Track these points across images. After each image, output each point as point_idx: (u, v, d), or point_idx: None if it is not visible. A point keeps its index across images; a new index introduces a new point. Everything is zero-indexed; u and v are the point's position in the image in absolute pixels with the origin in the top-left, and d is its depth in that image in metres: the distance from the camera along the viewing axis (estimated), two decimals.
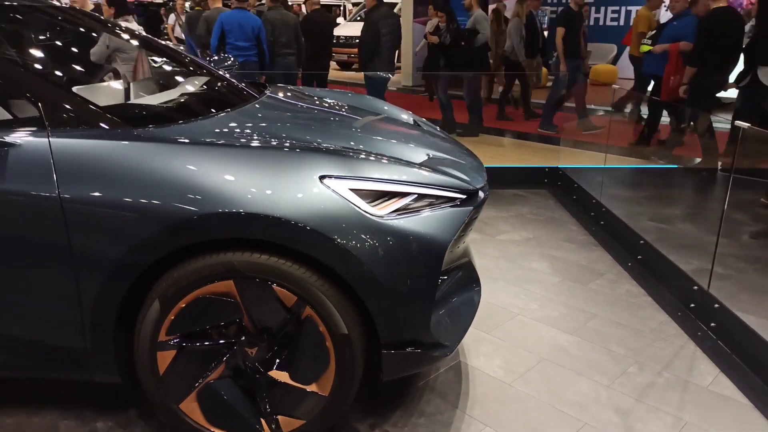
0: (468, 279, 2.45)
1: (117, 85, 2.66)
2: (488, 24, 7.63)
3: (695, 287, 2.98)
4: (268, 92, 2.76)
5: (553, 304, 3.09)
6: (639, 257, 3.56)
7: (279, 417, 1.96)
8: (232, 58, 3.50)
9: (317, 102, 2.87)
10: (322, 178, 1.83)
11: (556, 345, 2.71)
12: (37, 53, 2.54)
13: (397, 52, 7.45)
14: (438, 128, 3.05)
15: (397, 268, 1.86)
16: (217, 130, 2.05)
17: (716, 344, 2.70)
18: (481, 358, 2.61)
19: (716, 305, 2.79)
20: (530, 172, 5.24)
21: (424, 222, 1.94)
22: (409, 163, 2.12)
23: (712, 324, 2.78)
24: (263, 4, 8.65)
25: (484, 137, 7.24)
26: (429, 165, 2.19)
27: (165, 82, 2.90)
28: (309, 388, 1.93)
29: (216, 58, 3.40)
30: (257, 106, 2.50)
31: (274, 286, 1.82)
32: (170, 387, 1.93)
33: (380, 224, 1.85)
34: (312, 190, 1.81)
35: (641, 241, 3.60)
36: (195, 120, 2.13)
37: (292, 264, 1.81)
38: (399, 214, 1.91)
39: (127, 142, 1.84)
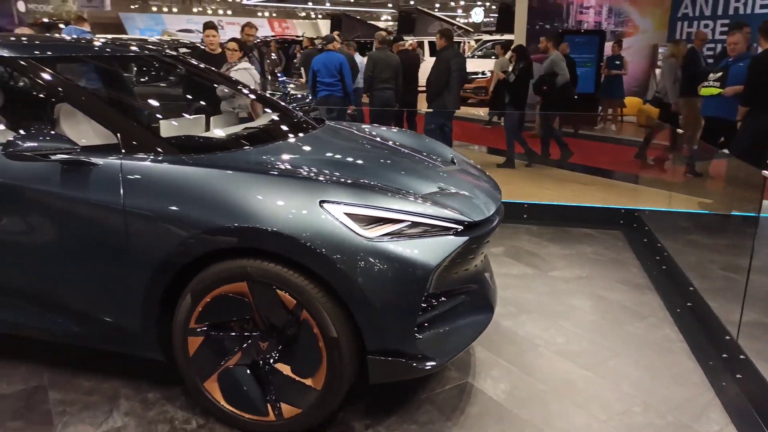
0: (475, 304, 2.64)
1: (193, 119, 3.23)
2: (565, 65, 7.68)
3: (727, 336, 2.90)
4: (317, 128, 3.19)
5: (579, 339, 3.15)
6: (689, 304, 3.48)
7: (281, 404, 2.30)
8: (310, 97, 3.99)
9: (356, 138, 3.24)
10: (322, 202, 2.18)
11: (566, 378, 2.79)
12: (126, 93, 3.18)
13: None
14: (472, 165, 3.28)
15: (381, 283, 2.15)
16: (252, 159, 2.48)
17: (738, 396, 2.62)
18: (488, 381, 2.76)
19: (742, 356, 2.70)
20: (605, 212, 5.20)
21: (412, 246, 2.21)
22: (410, 194, 2.40)
23: (738, 375, 2.70)
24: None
25: (573, 174, 7.22)
26: (432, 197, 2.46)
27: (240, 117, 3.46)
28: (305, 382, 2.26)
29: (294, 95, 3.91)
30: (299, 139, 2.92)
31: (278, 290, 2.18)
32: (197, 367, 2.35)
33: (369, 245, 2.15)
34: (312, 212, 2.16)
35: (691, 288, 3.51)
36: (240, 150, 2.59)
37: (293, 273, 2.16)
38: (389, 238, 2.20)
39: (176, 166, 2.33)
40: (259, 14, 41.77)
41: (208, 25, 6.17)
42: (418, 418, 2.49)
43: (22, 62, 2.65)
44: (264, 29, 41.89)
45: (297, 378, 2.27)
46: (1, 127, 2.91)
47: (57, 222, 2.41)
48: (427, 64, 17.69)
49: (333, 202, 2.19)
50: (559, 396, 2.65)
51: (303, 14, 43.70)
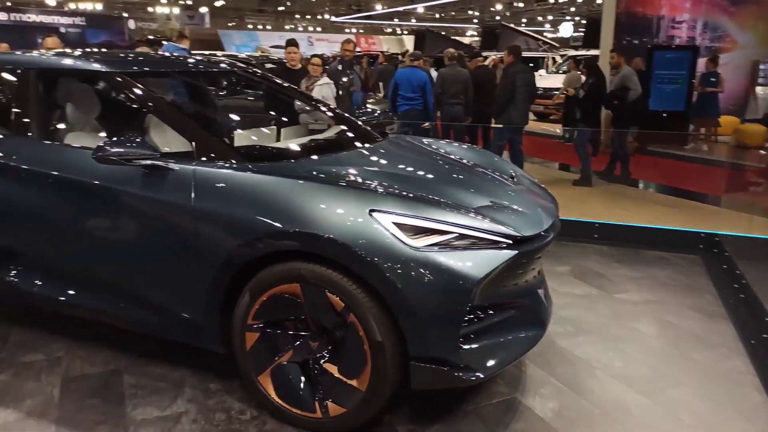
0: (525, 319, 2.64)
1: (265, 130, 3.43)
2: (637, 80, 7.49)
3: None
4: (380, 141, 3.30)
5: (639, 365, 3.05)
6: (765, 336, 3.27)
7: (328, 402, 2.41)
8: (378, 112, 4.13)
9: (416, 151, 3.32)
10: (371, 211, 2.28)
11: (620, 402, 2.71)
12: (205, 105, 3.43)
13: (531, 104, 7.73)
14: (531, 181, 3.27)
15: (425, 292, 2.21)
16: (312, 168, 2.62)
17: None
18: (537, 399, 2.74)
19: None
20: (684, 236, 4.96)
21: (458, 257, 2.26)
22: (460, 207, 2.45)
23: None
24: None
25: (655, 194, 6.91)
26: (483, 211, 2.50)
27: (312, 129, 3.64)
28: (351, 382, 2.35)
29: (363, 110, 4.06)
30: (360, 151, 3.05)
31: (328, 293, 2.30)
32: (253, 361, 2.50)
33: (415, 254, 2.22)
34: (362, 220, 2.26)
35: (767, 318, 3.30)
36: (302, 159, 2.75)
37: (343, 277, 2.27)
38: (436, 248, 2.26)
39: (242, 173, 2.50)
40: (347, 30, 43.03)
41: (290, 43, 6.49)
42: (462, 429, 2.52)
43: (117, 78, 2.94)
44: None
45: (343, 378, 2.37)
46: (102, 134, 3.22)
47: (137, 220, 2.66)
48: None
49: (382, 212, 2.28)
50: (610, 420, 2.58)
51: (389, 30, 44.51)
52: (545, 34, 40.81)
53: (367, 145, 3.17)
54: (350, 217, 2.28)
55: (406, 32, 42.30)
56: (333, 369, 2.39)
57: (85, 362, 2.99)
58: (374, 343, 2.26)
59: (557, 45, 22.57)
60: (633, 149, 7.85)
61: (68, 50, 3.82)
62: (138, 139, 2.57)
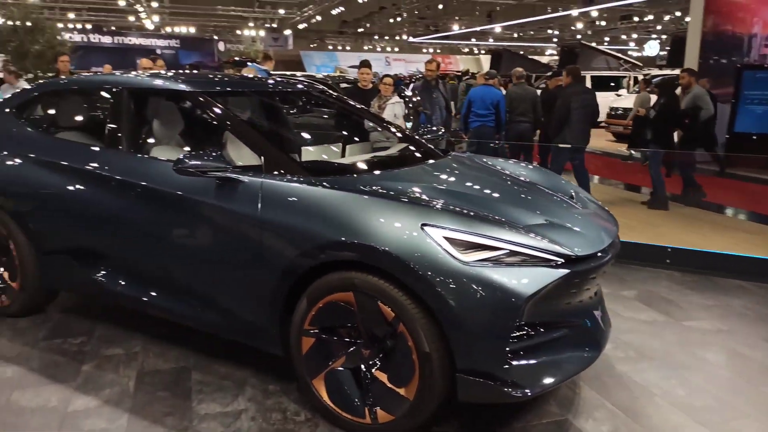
0: (579, 340, 2.62)
1: (330, 146, 3.60)
2: (709, 99, 7.27)
3: None
4: (441, 158, 3.39)
5: (703, 395, 2.93)
6: None
7: (377, 409, 2.49)
8: (443, 131, 4.22)
9: (475, 168, 3.37)
10: (423, 225, 2.36)
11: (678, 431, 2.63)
12: (276, 122, 3.63)
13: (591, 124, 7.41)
14: (592, 201, 3.24)
15: (473, 306, 2.25)
16: (371, 183, 2.74)
17: None
18: (590, 422, 2.69)
19: None
20: (764, 264, 4.69)
21: (507, 274, 2.29)
22: (513, 224, 2.49)
23: None
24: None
25: (738, 221, 6.56)
26: (536, 228, 2.52)
27: (373, 146, 3.78)
28: (399, 391, 2.42)
29: (427, 129, 4.16)
30: (420, 167, 3.14)
31: (380, 302, 2.39)
32: (308, 365, 2.63)
33: (464, 268, 2.27)
34: (415, 234, 2.35)
35: None
36: (363, 174, 2.87)
37: (393, 287, 2.35)
38: (485, 263, 2.30)
39: (306, 186, 2.66)
40: (424, 50, 43.48)
41: (363, 64, 6.71)
42: None
43: (199, 97, 3.20)
44: None
45: (392, 386, 2.44)
46: (185, 148, 3.50)
47: (208, 228, 2.87)
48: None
49: (434, 226, 2.36)
50: None
51: (466, 50, 44.60)
52: (630, 53, 39.64)
53: (427, 162, 3.26)
54: (403, 231, 2.37)
55: (483, 52, 42.23)
56: (383, 377, 2.47)
57: (158, 358, 3.23)
58: (422, 353, 2.33)
59: (640, 64, 21.83)
60: (712, 171, 7.53)
61: (157, 71, 4.17)
62: (213, 153, 2.78)
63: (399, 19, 27.99)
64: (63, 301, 3.91)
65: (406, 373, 2.39)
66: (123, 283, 3.22)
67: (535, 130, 7.97)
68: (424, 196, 2.62)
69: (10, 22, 12.70)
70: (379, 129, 3.95)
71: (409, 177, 2.98)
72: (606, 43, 39.89)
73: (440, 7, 24.26)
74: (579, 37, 36.09)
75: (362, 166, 3.11)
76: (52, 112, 3.89)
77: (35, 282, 3.57)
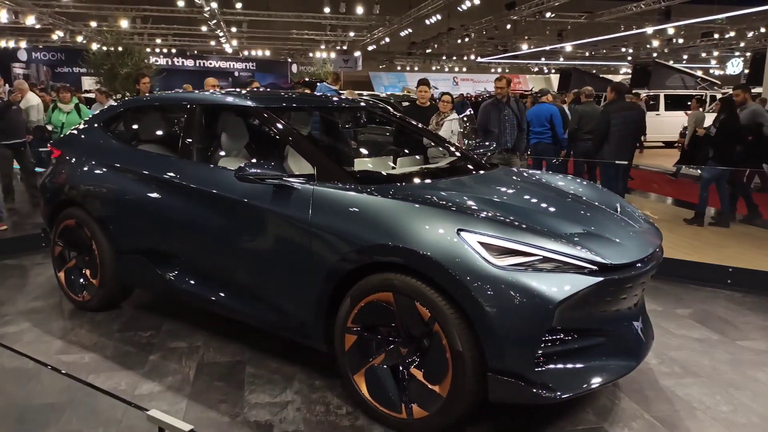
0: (615, 349, 2.67)
1: (381, 158, 3.79)
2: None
3: None
4: (486, 170, 3.51)
5: (748, 412, 2.87)
6: None
7: (413, 405, 2.62)
8: (494, 145, 4.34)
9: (519, 180, 3.46)
10: (459, 230, 2.49)
11: None
12: (332, 136, 3.86)
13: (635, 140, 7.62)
14: (637, 215, 3.25)
15: (504, 308, 2.36)
16: (414, 192, 2.90)
17: None
18: (625, 430, 2.71)
19: None
20: None
21: (539, 279, 2.39)
22: (548, 232, 2.57)
23: None
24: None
25: None
26: (572, 237, 2.59)
27: (426, 160, 3.95)
28: (434, 388, 2.54)
29: (478, 143, 4.30)
30: (463, 178, 3.28)
31: (417, 303, 2.53)
32: (350, 361, 2.79)
33: (497, 272, 2.39)
34: (451, 239, 2.48)
35: None
36: (407, 184, 3.04)
37: (429, 288, 2.49)
38: (518, 268, 2.41)
39: (351, 193, 2.85)
40: (492, 70, 43.35)
41: (421, 82, 6.92)
42: None
43: (264, 113, 3.47)
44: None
45: (427, 384, 2.57)
46: (252, 160, 3.79)
47: (264, 230, 3.11)
48: (661, 118, 16.79)
49: (469, 231, 2.48)
50: None
51: (535, 69, 44.12)
52: (712, 71, 37.93)
53: (472, 174, 3.40)
54: (440, 236, 2.51)
55: (553, 71, 41.66)
56: (419, 374, 2.60)
57: (217, 352, 3.49)
58: (455, 352, 2.45)
59: (718, 82, 20.91)
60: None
61: (226, 89, 4.52)
62: (271, 163, 3.03)
63: (467, 39, 28.10)
64: (136, 298, 4.28)
65: (440, 371, 2.51)
66: (190, 281, 3.51)
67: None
68: (462, 204, 2.75)
69: (104, 47, 13.83)
70: (433, 144, 4.12)
71: (452, 187, 3.11)
72: (684, 61, 38.46)
73: (508, 27, 24.21)
74: (655, 55, 34.97)
75: (408, 176, 3.28)
76: (134, 126, 4.30)
77: (113, 279, 3.94)
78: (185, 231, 3.48)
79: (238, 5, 20.30)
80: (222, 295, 3.35)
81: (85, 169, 4.02)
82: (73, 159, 4.16)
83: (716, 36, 26.90)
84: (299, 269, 2.93)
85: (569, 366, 2.52)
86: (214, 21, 22.92)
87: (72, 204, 4.07)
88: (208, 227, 3.35)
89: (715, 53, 35.38)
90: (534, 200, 3.08)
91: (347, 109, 4.34)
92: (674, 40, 28.99)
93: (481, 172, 3.50)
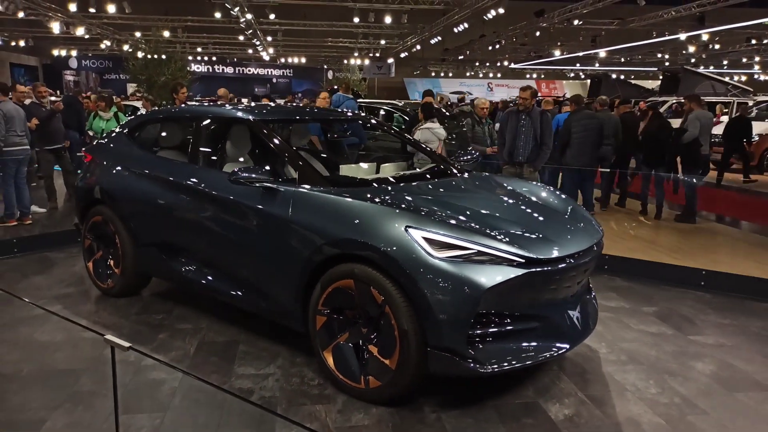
0: (547, 333, 3.06)
1: (365, 166, 4.27)
2: (699, 124, 7.59)
3: None
4: (455, 176, 3.93)
5: (673, 394, 3.20)
6: None
7: (369, 377, 3.06)
8: (476, 155, 4.74)
9: (480, 185, 3.87)
10: (407, 227, 2.93)
11: (634, 419, 2.95)
12: (318, 145, 4.33)
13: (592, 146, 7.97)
14: (585, 215, 3.62)
15: (441, 293, 2.78)
16: (376, 193, 3.34)
17: None
18: (557, 406, 3.09)
19: None
20: None
21: (470, 269, 2.81)
22: (487, 230, 2.99)
23: None
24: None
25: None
26: (507, 234, 3.00)
27: (409, 166, 4.41)
28: (385, 361, 2.98)
29: (460, 153, 4.72)
30: (429, 183, 3.71)
31: (372, 288, 2.98)
32: (320, 339, 3.25)
33: (436, 263, 2.82)
34: (400, 234, 2.92)
35: None
36: (372, 186, 3.50)
37: (382, 276, 2.93)
38: (454, 259, 2.83)
39: (324, 194, 3.32)
40: (527, 76, 43.31)
41: (426, 93, 7.36)
42: (477, 416, 2.99)
43: (256, 124, 3.97)
44: None
45: (380, 358, 3.01)
46: (246, 161, 4.31)
47: (254, 225, 3.59)
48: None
49: (416, 228, 2.92)
50: (616, 430, 2.86)
51: (571, 75, 43.84)
52: (756, 76, 37.02)
53: (438, 179, 3.83)
54: (392, 231, 2.95)
55: (583, 77, 41.37)
56: (374, 350, 3.04)
57: (217, 333, 4.00)
58: (402, 330, 2.88)
59: (750, 89, 20.62)
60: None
61: (230, 102, 5.06)
62: (261, 168, 3.52)
63: (497, 46, 28.31)
64: (154, 287, 4.84)
65: (390, 347, 2.95)
66: (193, 270, 4.04)
67: (615, 154, 8.43)
68: (416, 205, 3.19)
69: (147, 55, 14.73)
70: (416, 151, 4.57)
71: (415, 190, 3.55)
72: (725, 67, 37.67)
73: (537, 34, 24.35)
74: (693, 60, 34.41)
75: (377, 180, 3.73)
76: (152, 135, 4.87)
77: (133, 269, 4.50)
78: (190, 226, 4.01)
79: (272, 16, 21.07)
80: (219, 282, 3.86)
81: (111, 172, 4.60)
82: (102, 163, 4.75)
83: (753, 42, 26.38)
84: (282, 260, 3.41)
85: (501, 345, 2.93)
86: (250, 30, 23.81)
87: (100, 203, 4.66)
88: (208, 223, 3.87)
89: (757, 58, 34.57)
90: (486, 203, 3.49)
91: (340, 120, 4.82)
92: (711, 46, 28.51)
93: (449, 178, 3.92)
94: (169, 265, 4.18)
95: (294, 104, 13.54)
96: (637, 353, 3.73)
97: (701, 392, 3.24)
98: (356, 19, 21.05)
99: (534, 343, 3.02)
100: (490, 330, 2.91)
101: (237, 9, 18.95)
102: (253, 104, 9.27)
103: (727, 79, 28.28)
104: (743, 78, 40.10)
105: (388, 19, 20.87)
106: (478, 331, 2.88)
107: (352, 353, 3.14)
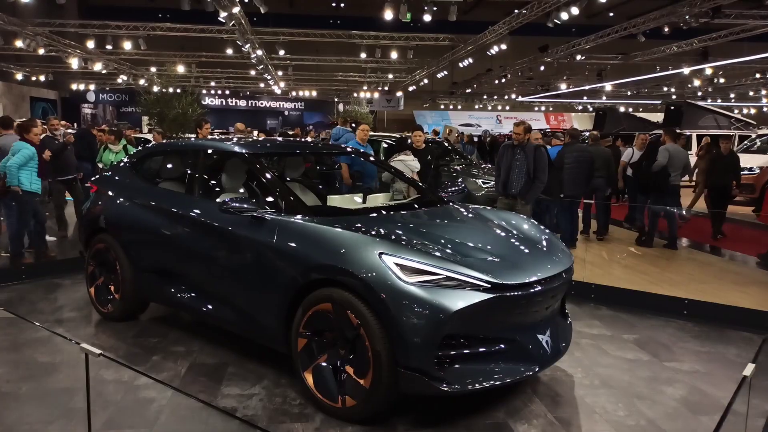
0: (515, 356, 3.21)
1: (352, 197, 4.49)
2: (668, 154, 7.92)
3: None
4: (434, 207, 4.14)
5: (640, 417, 3.32)
6: None
7: (346, 396, 3.22)
8: (462, 186, 4.97)
9: (456, 214, 4.06)
10: (381, 254, 3.12)
11: None
12: (304, 176, 4.57)
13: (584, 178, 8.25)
14: (556, 243, 3.79)
15: (410, 316, 2.96)
16: (354, 222, 3.53)
17: None
18: (525, 426, 3.22)
19: None
20: None
21: (438, 293, 2.98)
22: (457, 256, 3.17)
23: None
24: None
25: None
26: (475, 261, 3.18)
27: (398, 196, 4.63)
28: (360, 381, 3.14)
29: (447, 184, 4.94)
30: (408, 212, 3.92)
31: (348, 312, 3.16)
32: (302, 360, 3.42)
33: (406, 287, 3.00)
34: (373, 260, 3.12)
35: None
36: (352, 216, 3.71)
37: (357, 299, 3.12)
38: (424, 284, 3.01)
39: (306, 222, 3.54)
40: (536, 108, 43.79)
41: (416, 128, 7.62)
42: None
43: (250, 158, 4.23)
44: (540, 122, 43.79)
45: (356, 378, 3.17)
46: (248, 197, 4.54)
47: (243, 252, 3.80)
48: (693, 158, 16.87)
49: (389, 255, 3.11)
50: None
51: (579, 107, 44.25)
52: (766, 109, 37.13)
53: (415, 209, 4.05)
54: (367, 258, 3.15)
55: (591, 109, 41.76)
56: (350, 370, 3.21)
57: (208, 355, 4.18)
58: (375, 352, 3.05)
59: (753, 123, 20.76)
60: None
61: (230, 136, 5.33)
62: (249, 198, 3.75)
63: (503, 80, 28.82)
64: (151, 312, 5.04)
65: (365, 367, 3.11)
66: (186, 294, 4.24)
67: (608, 186, 8.73)
68: (390, 233, 3.38)
69: (162, 89, 15.26)
70: (399, 181, 4.80)
71: (394, 219, 3.76)
72: (732, 100, 37.90)
73: (542, 68, 24.81)
74: (700, 94, 34.70)
75: (361, 209, 3.94)
76: (154, 167, 5.14)
77: (132, 294, 4.71)
78: (185, 253, 4.23)
79: (282, 52, 21.71)
80: (210, 305, 4.06)
81: (114, 202, 4.86)
82: (106, 194, 5.02)
83: (758, 75, 26.64)
84: (267, 284, 3.61)
85: (469, 366, 3.08)
86: (262, 65, 24.48)
87: (103, 231, 4.91)
88: (202, 250, 4.09)
89: (764, 92, 34.77)
90: (461, 231, 3.69)
91: (326, 153, 5.07)
92: (715, 80, 28.78)
93: (429, 207, 4.13)
94: (164, 290, 4.39)
95: (300, 138, 13.91)
96: (611, 378, 3.85)
97: (667, 415, 3.36)
98: (363, 55, 21.61)
99: (502, 365, 3.16)
100: (459, 352, 3.07)
101: (248, 45, 19.57)
102: (262, 137, 9.62)
103: (735, 112, 28.45)
104: (752, 111, 40.38)
105: (394, 55, 21.40)
106: (447, 353, 3.04)
107: (331, 373, 3.30)
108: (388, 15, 13.35)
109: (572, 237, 7.98)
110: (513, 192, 6.50)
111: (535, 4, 14.58)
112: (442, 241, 3.41)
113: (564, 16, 13.07)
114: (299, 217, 3.63)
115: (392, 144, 10.62)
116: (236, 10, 15.03)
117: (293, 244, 3.49)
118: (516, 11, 15.65)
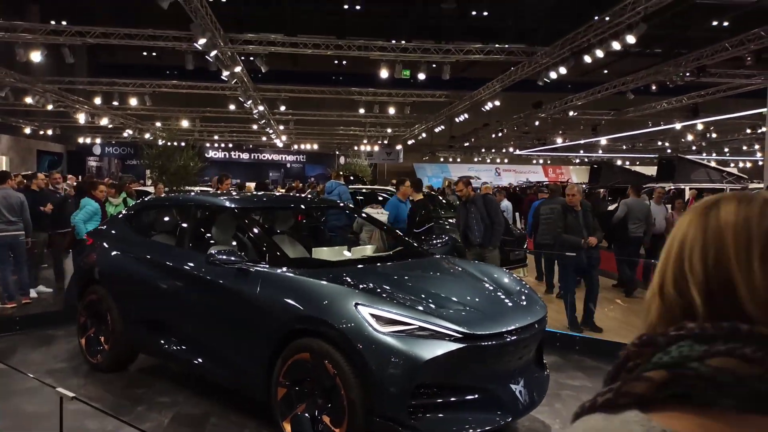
0: (488, 405, 3.29)
1: (339, 249, 4.66)
2: (626, 208, 8.45)
3: None
4: (418, 258, 4.30)
5: None
6: None
7: None
8: (446, 239, 5.13)
9: (436, 267, 4.21)
10: (357, 304, 3.26)
11: None
12: (290, 229, 4.76)
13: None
14: (530, 295, 3.92)
15: (383, 365, 3.07)
16: (336, 274, 3.69)
17: None
18: None
19: None
20: None
21: (410, 343, 3.11)
22: (430, 307, 3.31)
23: None
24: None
25: None
26: (447, 312, 3.31)
27: (376, 248, 4.78)
28: (336, 430, 3.22)
29: (433, 239, 5.12)
30: (389, 264, 4.07)
31: (326, 361, 3.27)
32: (281, 409, 3.50)
33: (380, 337, 3.12)
34: (350, 310, 3.25)
35: None
36: (333, 269, 3.86)
37: (334, 349, 3.23)
38: (399, 335, 3.13)
39: (288, 274, 3.69)
40: (534, 162, 44.45)
41: (400, 182, 7.87)
42: None
43: (238, 213, 4.42)
44: (538, 175, 44.34)
45: (332, 427, 3.24)
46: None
47: (228, 302, 3.94)
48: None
49: (364, 305, 3.25)
50: None
51: (577, 161, 44.93)
52: (761, 163, 37.71)
53: (397, 261, 4.20)
54: (343, 308, 3.28)
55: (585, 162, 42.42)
56: (327, 419, 3.29)
57: (193, 407, 4.24)
58: (350, 401, 3.14)
59: (745, 176, 21.12)
60: None
61: (217, 191, 5.56)
62: (235, 251, 3.91)
63: (500, 134, 29.48)
64: (140, 363, 5.12)
65: (340, 416, 3.20)
66: (173, 345, 4.35)
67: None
68: (367, 285, 3.53)
69: (166, 143, 15.69)
70: (376, 232, 4.98)
71: (374, 270, 3.91)
72: (727, 154, 38.51)
73: (536, 123, 25.42)
74: (693, 148, 35.35)
75: (342, 261, 4.10)
76: (147, 220, 5.34)
77: (121, 344, 4.81)
78: (173, 305, 4.36)
79: (282, 107, 22.35)
80: (194, 355, 4.16)
81: (107, 254, 5.03)
82: (101, 246, 5.19)
83: (748, 130, 27.21)
84: (250, 334, 3.73)
85: (442, 416, 3.16)
86: (264, 120, 25.13)
87: (97, 282, 5.05)
88: (189, 301, 4.23)
89: (757, 146, 35.40)
90: (437, 283, 3.83)
91: (315, 207, 5.29)
92: (707, 135, 29.40)
93: (411, 259, 4.28)
94: (154, 340, 4.50)
95: (297, 191, 14.19)
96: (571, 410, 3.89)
97: None
98: (362, 110, 22.21)
99: (475, 414, 3.24)
100: (432, 401, 3.16)
101: (250, 102, 20.17)
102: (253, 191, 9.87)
103: (731, 166, 28.81)
104: (748, 165, 40.97)
105: (392, 110, 22.00)
106: (421, 401, 3.13)
107: (308, 423, 3.38)
108: (384, 74, 13.86)
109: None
110: (477, 242, 6.73)
111: (525, 64, 15.12)
112: (419, 292, 3.55)
113: (553, 75, 13.55)
114: (283, 269, 3.78)
115: (387, 197, 10.88)
116: (238, 69, 15.61)
117: (275, 296, 3.63)
118: (512, 68, 16.23)
